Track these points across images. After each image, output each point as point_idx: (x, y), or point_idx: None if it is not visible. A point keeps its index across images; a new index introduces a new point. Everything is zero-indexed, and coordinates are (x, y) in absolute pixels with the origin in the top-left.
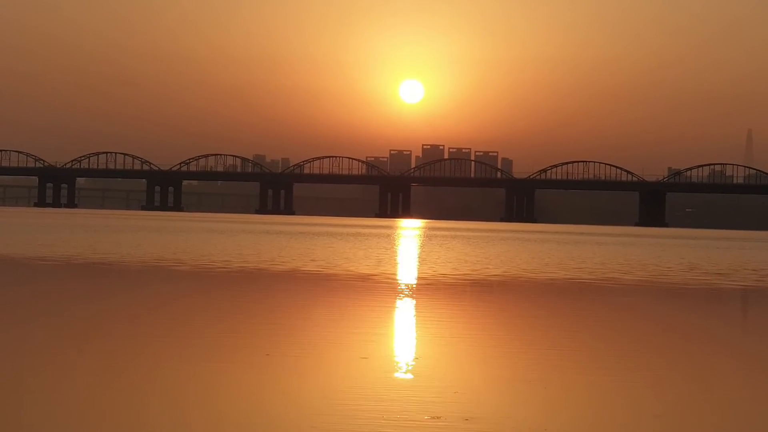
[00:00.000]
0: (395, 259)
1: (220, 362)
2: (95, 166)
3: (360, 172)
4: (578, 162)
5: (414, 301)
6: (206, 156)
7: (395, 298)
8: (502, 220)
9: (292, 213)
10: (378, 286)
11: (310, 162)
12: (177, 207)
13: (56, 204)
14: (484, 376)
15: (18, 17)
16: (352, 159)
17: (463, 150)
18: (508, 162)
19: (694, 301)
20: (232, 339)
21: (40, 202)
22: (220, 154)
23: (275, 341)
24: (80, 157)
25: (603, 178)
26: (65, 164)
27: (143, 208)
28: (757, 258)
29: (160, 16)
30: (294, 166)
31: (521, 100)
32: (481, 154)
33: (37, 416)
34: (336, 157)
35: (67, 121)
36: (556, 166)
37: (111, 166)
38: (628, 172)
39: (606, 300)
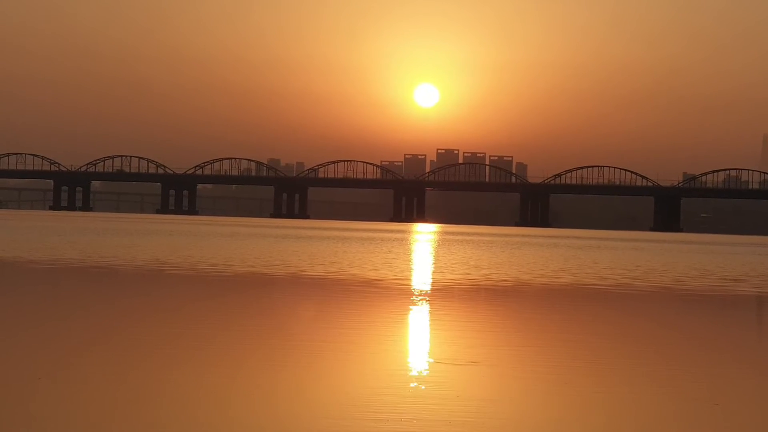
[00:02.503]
0: (408, 264)
1: (230, 366)
2: (110, 170)
3: (374, 176)
4: (593, 167)
5: (425, 307)
6: (221, 160)
7: (407, 304)
8: (516, 224)
9: (306, 217)
10: (390, 292)
11: (324, 166)
12: (192, 211)
13: (71, 207)
14: (496, 381)
15: (33, 22)
16: (367, 163)
17: (478, 154)
18: (522, 166)
19: (710, 307)
20: (243, 343)
21: (56, 206)
22: (235, 158)
23: (287, 345)
24: (95, 160)
25: (618, 183)
26: (80, 168)
27: (158, 212)
28: None
29: (174, 21)
30: (308, 170)
31: (536, 104)
32: (496, 158)
33: (49, 418)
34: (350, 161)
35: (82, 124)
36: (570, 170)
37: (126, 169)
38: (643, 177)
39: (620, 306)
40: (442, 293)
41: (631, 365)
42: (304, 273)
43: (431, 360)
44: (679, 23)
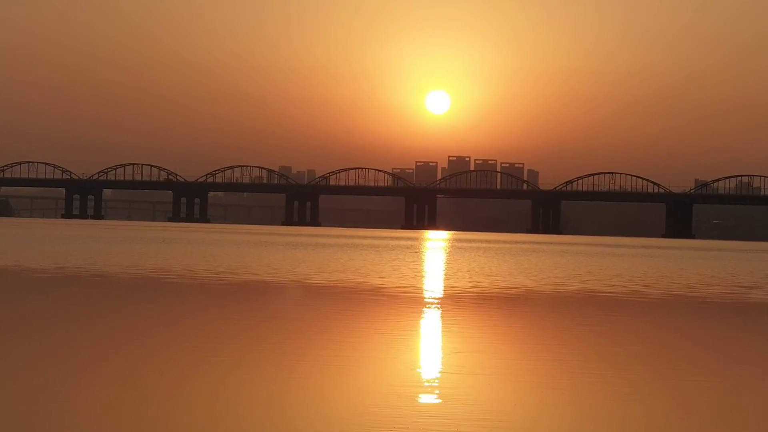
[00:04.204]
0: (417, 272)
1: (244, 375)
2: (122, 178)
3: (386, 184)
4: (605, 173)
5: (435, 315)
6: (232, 168)
7: (414, 313)
8: (528, 231)
9: (317, 224)
10: (397, 300)
11: (335, 173)
12: (203, 218)
13: (83, 215)
14: (505, 391)
15: (44, 31)
16: (378, 170)
17: (489, 161)
18: (534, 173)
19: (723, 315)
20: (257, 351)
21: (67, 214)
22: (246, 166)
23: (300, 354)
24: (107, 168)
25: (629, 189)
26: (92, 176)
27: (169, 220)
28: None
29: (185, 28)
30: (320, 177)
31: (548, 111)
32: (507, 165)
33: (66, 426)
34: (362, 168)
35: (93, 133)
36: (582, 177)
37: (137, 177)
38: (654, 183)
39: (631, 314)
40: (449, 302)
41: (643, 374)
42: (310, 281)
43: (438, 370)
44: (690, 28)
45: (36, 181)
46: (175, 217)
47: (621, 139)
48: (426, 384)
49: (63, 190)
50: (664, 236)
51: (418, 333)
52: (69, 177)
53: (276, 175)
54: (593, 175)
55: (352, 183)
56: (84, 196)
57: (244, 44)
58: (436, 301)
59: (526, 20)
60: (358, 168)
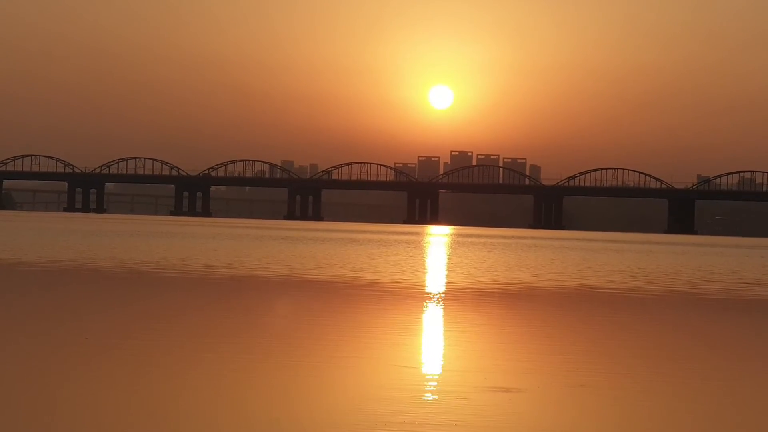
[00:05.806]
0: (421, 267)
1: (247, 369)
2: (124, 172)
3: (388, 179)
4: (607, 169)
5: (435, 311)
6: (234, 162)
7: (418, 308)
8: (530, 226)
9: (320, 219)
10: (400, 296)
11: (338, 168)
12: (205, 212)
13: (85, 209)
14: (506, 386)
15: (47, 24)
16: (381, 165)
17: (492, 156)
18: (536, 169)
19: (727, 312)
20: (259, 346)
21: (70, 207)
22: (249, 160)
23: (302, 349)
24: (109, 162)
25: (632, 185)
26: (94, 169)
27: (172, 214)
28: None
29: (188, 23)
30: (322, 172)
31: (550, 106)
32: (510, 160)
33: (69, 419)
34: (364, 163)
35: (96, 126)
36: (584, 173)
37: (140, 171)
38: (657, 179)
39: (632, 310)
40: (449, 297)
41: (644, 370)
42: (307, 276)
43: (436, 366)
44: (693, 25)
45: (38, 175)
46: (177, 211)
47: (623, 134)
48: (424, 380)
49: (65, 184)
50: (666, 232)
51: (417, 328)
52: (71, 170)
53: (278, 170)
54: (595, 170)
55: (354, 178)
56: (86, 190)
57: (247, 39)
58: (437, 296)
59: (528, 15)
60: (361, 162)
